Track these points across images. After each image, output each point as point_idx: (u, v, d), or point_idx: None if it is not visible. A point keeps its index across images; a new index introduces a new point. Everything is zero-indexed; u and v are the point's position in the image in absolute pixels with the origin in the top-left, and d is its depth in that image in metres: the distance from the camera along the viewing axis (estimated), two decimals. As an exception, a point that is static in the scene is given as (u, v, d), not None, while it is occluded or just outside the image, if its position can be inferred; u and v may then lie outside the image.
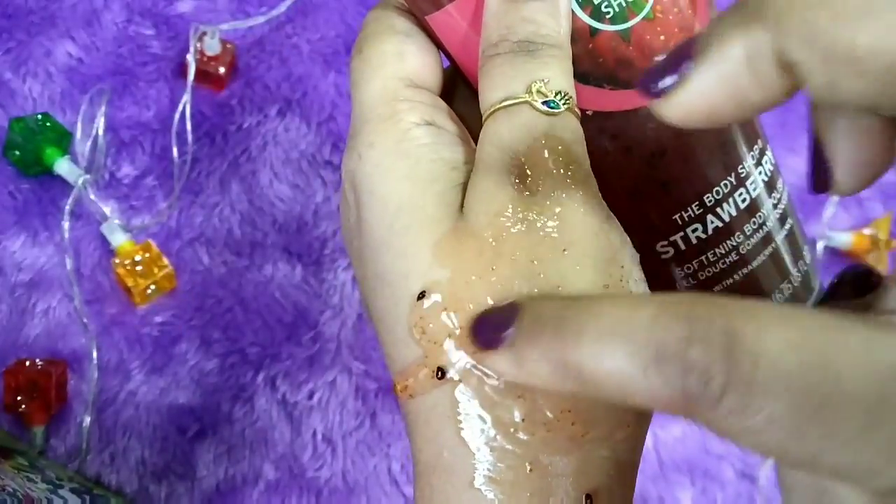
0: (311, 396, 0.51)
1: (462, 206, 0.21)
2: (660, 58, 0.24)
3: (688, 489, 0.53)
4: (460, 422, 0.20)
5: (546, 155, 0.21)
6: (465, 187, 0.22)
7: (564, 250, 0.20)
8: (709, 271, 0.27)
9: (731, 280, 0.27)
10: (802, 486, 0.18)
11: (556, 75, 0.22)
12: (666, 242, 0.26)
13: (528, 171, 0.21)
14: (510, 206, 0.20)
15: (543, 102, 0.21)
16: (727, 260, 0.27)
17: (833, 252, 0.60)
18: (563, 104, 0.22)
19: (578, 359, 0.16)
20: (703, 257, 0.26)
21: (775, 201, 0.27)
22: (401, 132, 0.22)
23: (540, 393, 0.19)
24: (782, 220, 0.28)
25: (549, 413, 0.19)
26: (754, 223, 0.27)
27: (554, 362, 0.17)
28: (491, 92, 0.22)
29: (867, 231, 0.59)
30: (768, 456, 0.15)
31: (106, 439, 0.49)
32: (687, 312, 0.15)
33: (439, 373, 0.20)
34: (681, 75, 0.17)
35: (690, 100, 0.17)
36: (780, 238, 0.28)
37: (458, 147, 0.23)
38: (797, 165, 0.60)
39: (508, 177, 0.21)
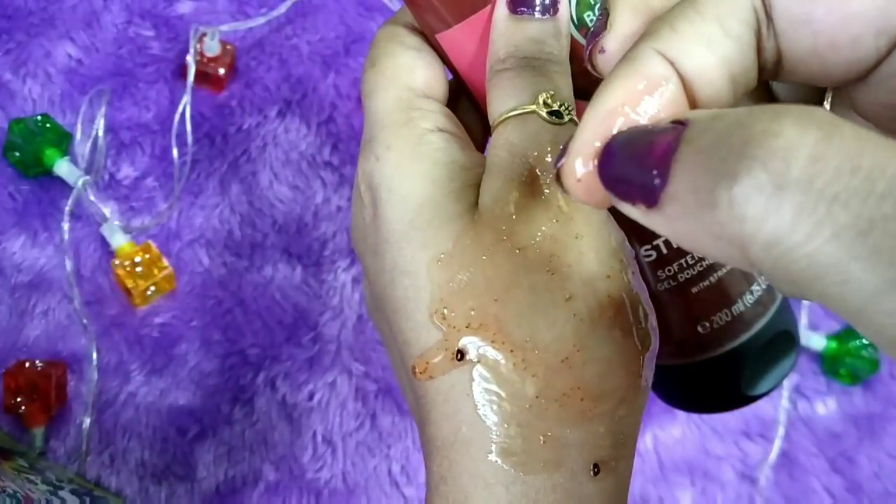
0: (311, 398, 0.51)
1: (476, 203, 0.23)
2: None
3: (688, 490, 0.53)
4: (478, 399, 0.21)
5: (553, 160, 0.23)
6: (477, 187, 0.24)
7: (573, 241, 0.22)
8: (687, 273, 0.29)
9: (706, 283, 0.30)
10: None
11: (560, 88, 0.24)
12: (649, 246, 0.29)
13: (537, 174, 0.23)
14: (522, 204, 0.22)
15: (549, 112, 0.23)
16: (703, 264, 0.29)
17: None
18: (567, 115, 0.24)
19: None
20: (682, 261, 0.29)
21: None
22: (417, 136, 0.24)
23: (552, 372, 0.21)
24: None
25: (560, 390, 0.21)
26: None
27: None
28: (501, 102, 0.24)
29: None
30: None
31: (106, 441, 0.49)
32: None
33: (459, 355, 0.22)
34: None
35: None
36: None
37: (468, 151, 0.25)
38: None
39: (520, 178, 0.23)
